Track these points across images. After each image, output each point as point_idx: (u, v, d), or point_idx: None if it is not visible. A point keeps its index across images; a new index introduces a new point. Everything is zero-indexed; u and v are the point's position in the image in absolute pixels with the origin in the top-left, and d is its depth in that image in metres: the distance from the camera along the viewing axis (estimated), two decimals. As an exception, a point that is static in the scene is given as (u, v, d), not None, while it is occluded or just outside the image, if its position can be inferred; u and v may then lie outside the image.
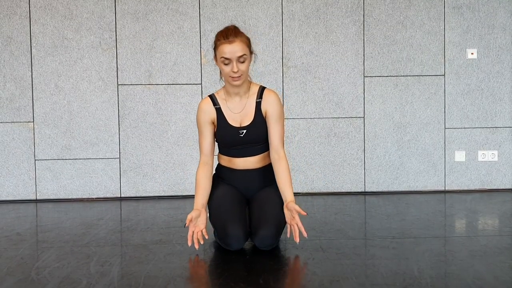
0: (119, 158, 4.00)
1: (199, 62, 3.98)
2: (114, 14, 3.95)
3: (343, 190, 4.08)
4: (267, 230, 2.18)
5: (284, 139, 2.58)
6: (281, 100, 3.99)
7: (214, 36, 2.35)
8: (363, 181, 4.08)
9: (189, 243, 2.21)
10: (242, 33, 2.29)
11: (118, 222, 3.05)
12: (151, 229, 2.78)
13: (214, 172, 2.52)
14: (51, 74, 3.94)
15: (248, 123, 2.34)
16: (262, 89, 2.40)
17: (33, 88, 3.93)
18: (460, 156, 4.09)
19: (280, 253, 2.23)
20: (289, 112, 4.00)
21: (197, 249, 2.21)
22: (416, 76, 4.04)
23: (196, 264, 1.96)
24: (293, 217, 2.19)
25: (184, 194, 4.03)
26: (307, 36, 4.01)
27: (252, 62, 2.38)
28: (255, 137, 2.34)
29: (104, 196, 4.01)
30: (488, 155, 4.10)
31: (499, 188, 4.12)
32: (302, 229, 2.16)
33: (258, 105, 2.35)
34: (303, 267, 1.96)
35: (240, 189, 2.41)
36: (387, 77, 4.04)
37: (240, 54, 2.21)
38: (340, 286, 1.73)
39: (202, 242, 2.23)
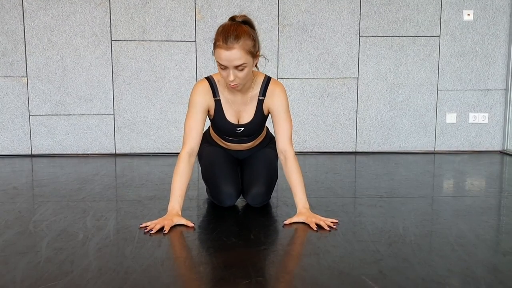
0: (113, 114, 4.01)
1: (194, 18, 3.93)
2: (107, -32, 3.86)
3: (334, 150, 4.14)
4: (259, 188, 2.23)
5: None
6: (277, 64, 3.98)
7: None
8: (355, 141, 4.13)
9: (150, 231, 1.91)
10: (246, 33, 1.90)
11: (113, 178, 3.10)
12: (146, 185, 2.84)
13: (205, 130, 2.52)
14: (44, 28, 3.89)
15: (247, 121, 2.18)
16: (266, 83, 2.14)
17: (26, 43, 3.89)
18: (451, 117, 4.14)
19: (271, 210, 2.29)
20: (283, 71, 4.00)
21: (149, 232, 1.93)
22: (411, 37, 4.03)
23: (189, 219, 2.02)
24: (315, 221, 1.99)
25: (178, 151, 4.07)
26: (303, -6, 3.96)
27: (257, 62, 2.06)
28: (251, 133, 2.26)
29: (99, 152, 4.05)
30: (479, 117, 4.15)
31: (488, 150, 4.20)
32: (330, 223, 2.00)
33: (260, 103, 2.14)
34: (292, 224, 2.02)
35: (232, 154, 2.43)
36: (382, 38, 4.02)
37: (237, 63, 1.89)
38: (327, 241, 1.80)
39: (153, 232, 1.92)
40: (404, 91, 4.10)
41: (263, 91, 2.13)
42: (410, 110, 4.13)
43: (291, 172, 2.10)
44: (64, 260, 1.62)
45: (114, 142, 4.05)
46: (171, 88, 4.01)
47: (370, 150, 4.16)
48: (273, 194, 2.55)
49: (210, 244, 1.81)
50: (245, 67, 1.92)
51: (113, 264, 1.59)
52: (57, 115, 3.99)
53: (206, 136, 2.41)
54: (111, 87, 3.98)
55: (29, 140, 4.01)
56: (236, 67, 1.91)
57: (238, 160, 2.43)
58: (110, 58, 3.95)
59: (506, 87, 4.12)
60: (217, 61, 1.93)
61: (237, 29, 1.89)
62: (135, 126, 4.04)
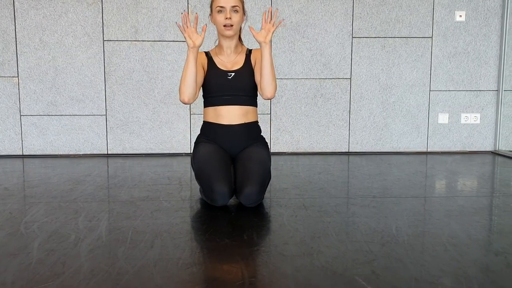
0: (106, 115, 3.99)
1: (187, 19, 3.92)
2: (99, -33, 3.84)
3: (327, 150, 4.14)
4: (252, 188, 2.23)
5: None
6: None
7: None
8: (348, 141, 4.14)
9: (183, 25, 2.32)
10: None
11: (105, 179, 3.08)
12: (138, 186, 2.82)
13: (199, 132, 2.55)
14: (35, 28, 3.86)
15: (237, 68, 2.46)
16: (250, 50, 2.55)
17: (17, 42, 3.86)
18: (443, 118, 4.16)
19: (264, 210, 2.29)
20: (276, 72, 4.00)
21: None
22: (404, 38, 4.04)
23: (182, 220, 2.01)
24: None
25: (171, 152, 4.06)
26: (296, -5, 3.96)
27: (243, 23, 2.50)
28: (242, 83, 2.43)
29: (91, 152, 4.03)
30: (470, 118, 4.18)
31: (480, 150, 4.22)
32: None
33: (248, 56, 2.51)
34: (286, 224, 2.02)
35: (225, 146, 2.45)
36: (375, 38, 4.03)
37: (233, 4, 2.39)
38: (321, 242, 1.80)
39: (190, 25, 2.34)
40: (397, 91, 4.12)
41: (249, 51, 2.54)
42: (403, 111, 4.14)
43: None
44: (56, 262, 1.61)
45: (106, 142, 4.03)
46: (163, 89, 4.00)
47: (363, 150, 4.17)
48: (266, 194, 2.55)
49: (203, 245, 1.81)
50: (238, 11, 2.39)
51: (105, 265, 1.58)
52: (48, 115, 3.96)
53: (201, 130, 2.53)
54: (103, 87, 3.96)
55: (20, 141, 3.98)
56: (232, 8, 2.37)
57: (231, 159, 2.44)
58: (102, 58, 3.93)
59: (497, 88, 4.15)
60: (216, 7, 2.37)
61: None
62: (128, 127, 4.02)
